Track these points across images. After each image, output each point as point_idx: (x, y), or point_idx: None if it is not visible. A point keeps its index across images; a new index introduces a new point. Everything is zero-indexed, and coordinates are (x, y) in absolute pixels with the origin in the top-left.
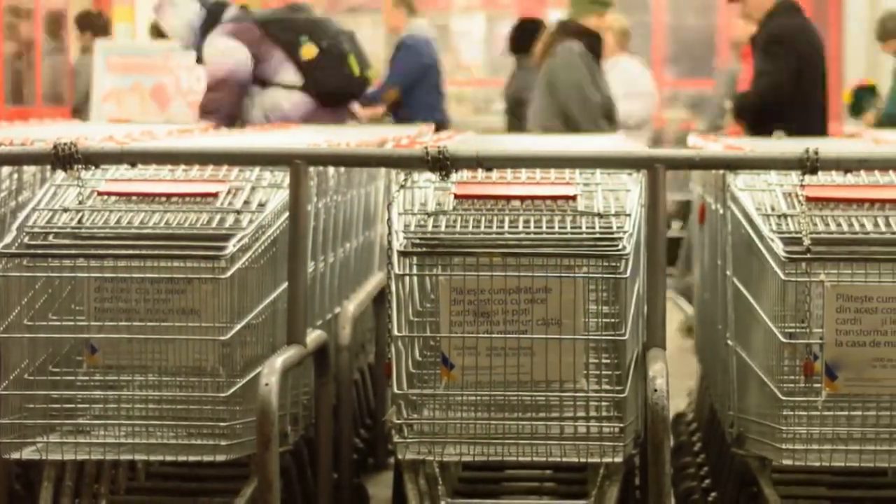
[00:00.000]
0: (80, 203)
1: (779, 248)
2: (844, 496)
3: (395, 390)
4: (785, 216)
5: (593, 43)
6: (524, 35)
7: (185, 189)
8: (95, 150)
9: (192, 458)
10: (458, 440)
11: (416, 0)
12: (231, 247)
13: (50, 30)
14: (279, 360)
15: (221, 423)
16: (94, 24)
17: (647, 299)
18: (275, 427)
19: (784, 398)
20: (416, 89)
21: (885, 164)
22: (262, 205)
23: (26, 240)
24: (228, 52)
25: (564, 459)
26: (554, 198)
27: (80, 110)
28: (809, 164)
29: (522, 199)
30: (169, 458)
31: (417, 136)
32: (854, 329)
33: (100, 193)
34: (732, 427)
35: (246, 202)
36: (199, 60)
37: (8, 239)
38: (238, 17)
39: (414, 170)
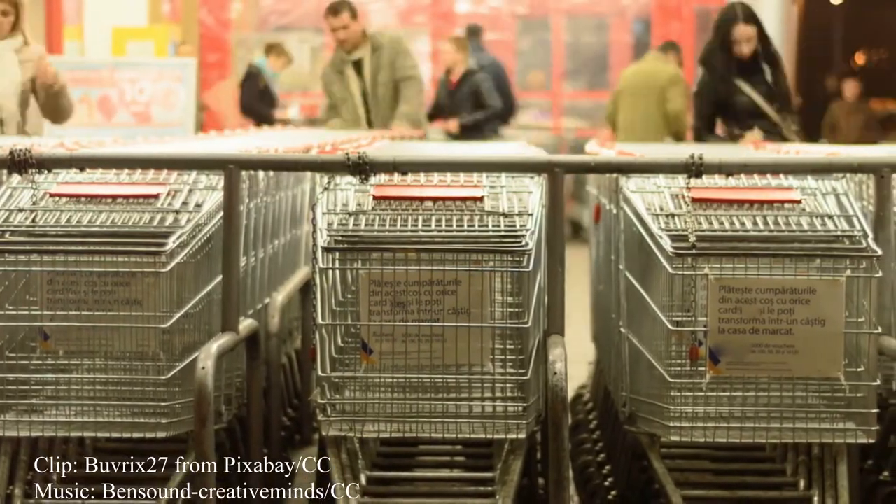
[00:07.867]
0: (34, 204)
1: (667, 244)
2: (726, 469)
3: (320, 373)
4: (673, 215)
5: None
6: None
7: (129, 191)
8: (48, 155)
9: (135, 435)
10: (377, 418)
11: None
12: (171, 243)
13: None
14: (214, 346)
15: (162, 403)
16: None
17: (547, 290)
18: (210, 407)
19: (672, 380)
20: None
21: (764, 168)
22: (198, 205)
23: None
24: None
25: (473, 436)
26: (463, 199)
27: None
28: (694, 168)
29: (435, 199)
30: (114, 434)
31: (341, 143)
32: (735, 318)
33: (52, 195)
34: (625, 406)
35: (184, 203)
36: None
37: None
38: None
39: (336, 173)
